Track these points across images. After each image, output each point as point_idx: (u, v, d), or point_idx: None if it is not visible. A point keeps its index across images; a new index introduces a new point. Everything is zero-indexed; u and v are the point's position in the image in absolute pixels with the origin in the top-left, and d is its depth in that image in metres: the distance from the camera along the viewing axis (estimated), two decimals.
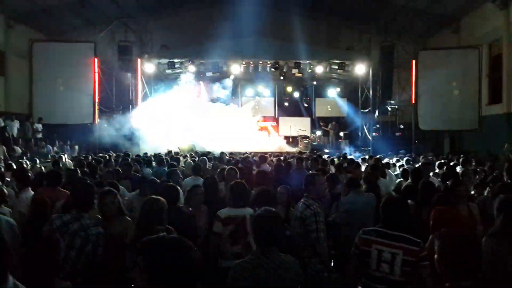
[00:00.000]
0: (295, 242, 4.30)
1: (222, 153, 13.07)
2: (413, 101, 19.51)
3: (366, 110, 20.77)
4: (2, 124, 15.07)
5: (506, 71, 16.77)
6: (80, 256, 3.77)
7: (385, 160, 12.15)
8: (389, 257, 3.19)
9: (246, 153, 15.34)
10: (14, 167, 8.35)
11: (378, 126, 20.77)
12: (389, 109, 20.81)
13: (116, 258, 4.00)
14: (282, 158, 12.36)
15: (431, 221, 4.08)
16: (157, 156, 11.38)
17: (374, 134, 20.22)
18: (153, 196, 4.20)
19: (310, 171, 6.69)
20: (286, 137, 23.69)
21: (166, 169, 8.45)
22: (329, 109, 24.94)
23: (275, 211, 3.23)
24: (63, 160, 10.97)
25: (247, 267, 2.90)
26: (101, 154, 13.02)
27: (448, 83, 19.35)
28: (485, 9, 17.52)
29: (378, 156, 12.35)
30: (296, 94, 24.88)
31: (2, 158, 11.59)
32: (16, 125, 15.85)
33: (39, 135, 16.89)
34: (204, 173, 7.66)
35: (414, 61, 19.53)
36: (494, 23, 17.18)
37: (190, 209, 4.91)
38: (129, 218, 4.41)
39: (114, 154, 13.57)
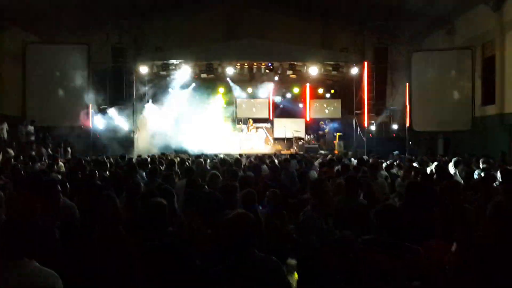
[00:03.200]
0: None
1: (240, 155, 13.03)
2: (407, 102, 19.60)
3: (360, 112, 20.81)
4: None
5: (499, 72, 16.87)
6: None
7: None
8: (387, 265, 3.18)
9: (242, 154, 15.35)
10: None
11: (372, 127, 20.78)
12: (384, 111, 20.83)
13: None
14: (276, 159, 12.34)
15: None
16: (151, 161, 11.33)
17: (368, 135, 20.25)
18: (154, 199, 4.19)
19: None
20: (281, 139, 23.68)
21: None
22: (325, 111, 24.97)
23: (246, 213, 3.12)
24: (58, 164, 10.89)
25: (223, 271, 2.85)
26: (95, 157, 12.95)
27: (442, 84, 19.45)
28: (479, 10, 17.60)
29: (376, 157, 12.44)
30: (290, 95, 24.88)
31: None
32: (5, 127, 15.71)
33: (32, 138, 16.79)
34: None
35: (408, 63, 19.63)
36: (488, 24, 17.27)
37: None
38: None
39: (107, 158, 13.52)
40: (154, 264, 1.94)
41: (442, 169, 8.35)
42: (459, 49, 19.42)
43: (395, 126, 21.60)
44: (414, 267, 3.15)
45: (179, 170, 9.25)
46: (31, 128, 17.01)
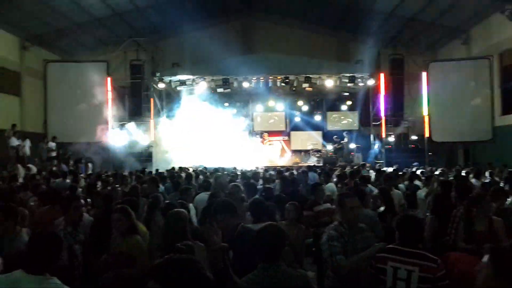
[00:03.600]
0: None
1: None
2: (425, 113, 19.45)
3: (378, 123, 20.69)
4: (16, 143, 15.27)
5: None
6: None
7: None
8: (405, 274, 3.16)
9: (257, 168, 15.41)
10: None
11: (390, 139, 20.59)
12: (402, 122, 20.65)
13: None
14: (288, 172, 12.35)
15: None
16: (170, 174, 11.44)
17: (387, 146, 20.10)
18: (175, 210, 4.29)
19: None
20: (298, 151, 23.63)
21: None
22: (341, 123, 24.87)
23: (277, 226, 3.21)
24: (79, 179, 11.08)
25: (251, 284, 2.87)
26: (115, 172, 13.13)
27: (460, 94, 19.28)
28: (494, 19, 17.47)
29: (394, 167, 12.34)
30: (307, 108, 24.85)
31: (22, 176, 11.75)
32: (27, 144, 16.05)
33: (53, 154, 17.10)
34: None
35: (424, 73, 19.52)
36: (504, 33, 17.12)
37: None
38: (139, 238, 4.35)
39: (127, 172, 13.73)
40: (167, 277, 1.94)
41: (462, 179, 8.25)
42: (476, 59, 19.26)
43: (414, 137, 21.39)
44: (431, 276, 3.13)
45: (196, 184, 9.33)
46: (52, 144, 17.33)
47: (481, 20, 18.39)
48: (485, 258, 2.54)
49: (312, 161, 21.97)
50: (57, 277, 2.88)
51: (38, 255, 2.87)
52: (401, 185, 9.06)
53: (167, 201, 5.62)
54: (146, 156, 19.34)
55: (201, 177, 11.42)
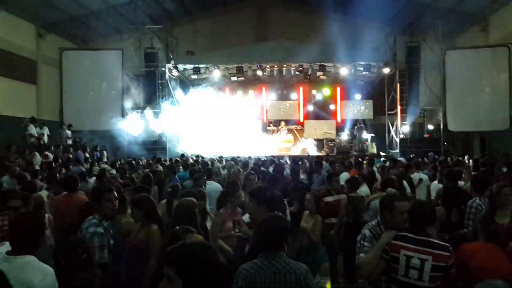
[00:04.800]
0: None
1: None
2: (442, 102, 19.19)
3: (393, 112, 20.48)
4: (34, 131, 15.45)
5: None
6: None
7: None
8: (418, 263, 3.15)
9: (272, 156, 15.43)
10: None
11: (405, 128, 20.32)
12: (418, 111, 20.37)
13: (135, 266, 4.12)
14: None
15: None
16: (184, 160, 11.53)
17: (401, 136, 19.90)
18: (186, 198, 4.36)
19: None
20: (311, 140, 23.54)
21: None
22: (355, 111, 24.69)
23: (282, 216, 3.24)
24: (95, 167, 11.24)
25: (250, 271, 2.91)
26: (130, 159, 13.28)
27: (477, 83, 18.97)
28: None
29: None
30: (321, 97, 24.69)
31: (39, 165, 11.92)
32: (45, 132, 16.25)
33: (69, 142, 17.30)
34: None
35: (441, 61, 19.22)
36: None
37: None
38: (154, 226, 4.37)
39: (145, 160, 13.88)
40: (181, 262, 1.95)
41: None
42: (495, 47, 18.88)
43: (430, 127, 21.13)
44: (444, 264, 3.13)
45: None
46: (68, 132, 17.53)
47: (500, 7, 17.98)
48: None
49: (325, 150, 21.90)
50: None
51: (18, 236, 2.90)
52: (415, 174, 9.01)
53: (187, 189, 5.66)
54: (161, 144, 19.48)
55: (218, 164, 11.53)
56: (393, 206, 3.53)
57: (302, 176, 9.55)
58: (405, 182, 7.56)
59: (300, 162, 11.28)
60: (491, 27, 19.32)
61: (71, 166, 10.88)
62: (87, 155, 15.68)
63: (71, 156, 14.39)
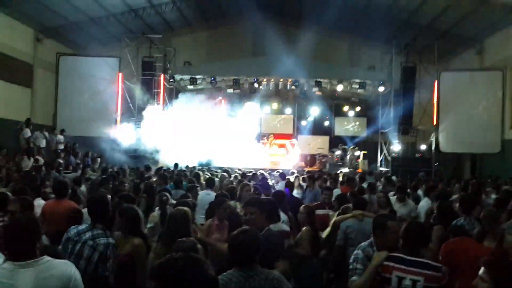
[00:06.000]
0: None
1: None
2: (435, 123, 19.33)
3: (386, 130, 20.59)
4: (29, 135, 15.37)
5: None
6: (88, 266, 3.78)
7: None
8: (410, 284, 3.15)
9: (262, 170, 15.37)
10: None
11: (397, 147, 20.38)
12: (411, 130, 20.48)
13: (122, 279, 3.99)
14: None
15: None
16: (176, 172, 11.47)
17: (393, 154, 19.98)
18: (178, 207, 4.35)
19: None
20: (305, 155, 23.54)
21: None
22: (349, 128, 24.81)
23: (251, 230, 3.24)
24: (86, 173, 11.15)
25: (224, 279, 2.92)
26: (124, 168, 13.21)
27: (471, 106, 19.12)
28: (509, 31, 17.32)
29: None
30: (316, 113, 24.77)
31: (29, 168, 11.83)
32: (42, 135, 16.17)
33: (61, 146, 17.20)
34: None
35: (436, 82, 19.41)
36: None
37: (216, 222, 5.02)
38: (137, 240, 4.17)
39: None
40: (166, 277, 1.93)
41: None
42: (489, 70, 19.12)
43: (422, 146, 21.24)
44: (436, 285, 3.14)
45: (204, 182, 9.37)
46: (60, 137, 17.43)
47: (495, 31, 18.25)
48: (481, 271, 2.40)
49: (317, 165, 21.89)
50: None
51: (17, 242, 2.77)
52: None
53: (182, 199, 5.64)
54: (154, 153, 19.34)
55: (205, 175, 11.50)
56: (386, 226, 3.49)
57: (296, 191, 9.58)
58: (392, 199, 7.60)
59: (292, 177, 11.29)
60: (486, 51, 19.57)
61: (63, 172, 10.79)
62: (78, 160, 15.59)
63: (61, 161, 14.30)
